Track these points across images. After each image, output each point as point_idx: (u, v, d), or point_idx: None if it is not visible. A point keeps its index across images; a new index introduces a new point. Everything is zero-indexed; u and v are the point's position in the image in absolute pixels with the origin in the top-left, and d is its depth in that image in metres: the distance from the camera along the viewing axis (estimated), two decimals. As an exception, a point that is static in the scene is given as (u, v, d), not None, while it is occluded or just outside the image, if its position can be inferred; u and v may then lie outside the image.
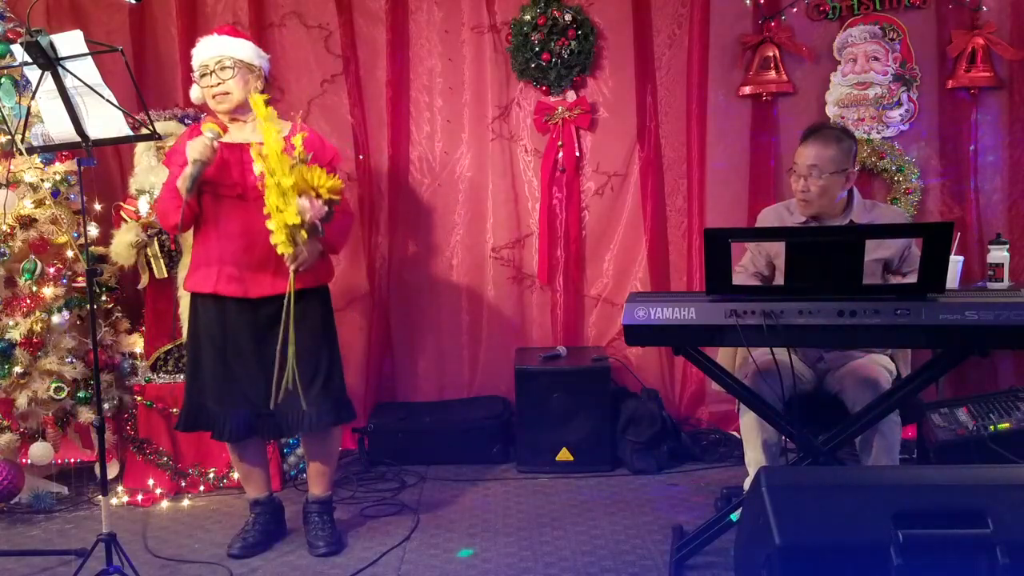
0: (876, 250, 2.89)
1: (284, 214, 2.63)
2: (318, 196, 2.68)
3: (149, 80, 4.09)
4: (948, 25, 3.97)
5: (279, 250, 2.71)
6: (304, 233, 2.70)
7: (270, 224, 2.67)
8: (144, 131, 2.59)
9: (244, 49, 2.89)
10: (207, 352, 2.92)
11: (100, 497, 2.68)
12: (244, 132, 2.90)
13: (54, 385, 3.46)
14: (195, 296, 2.95)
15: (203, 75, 2.88)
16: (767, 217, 3.15)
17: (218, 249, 2.87)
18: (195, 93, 2.99)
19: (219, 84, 2.85)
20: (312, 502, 3.11)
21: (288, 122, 2.98)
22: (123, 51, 2.49)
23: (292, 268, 2.75)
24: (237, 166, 2.84)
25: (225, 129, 2.83)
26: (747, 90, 4.07)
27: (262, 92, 2.92)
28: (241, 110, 2.90)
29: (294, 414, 2.88)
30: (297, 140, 2.70)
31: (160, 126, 3.48)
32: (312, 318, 2.92)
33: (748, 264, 3.13)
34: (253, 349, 2.89)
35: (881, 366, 2.87)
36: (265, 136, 2.66)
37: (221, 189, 2.84)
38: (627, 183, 4.19)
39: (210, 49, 2.87)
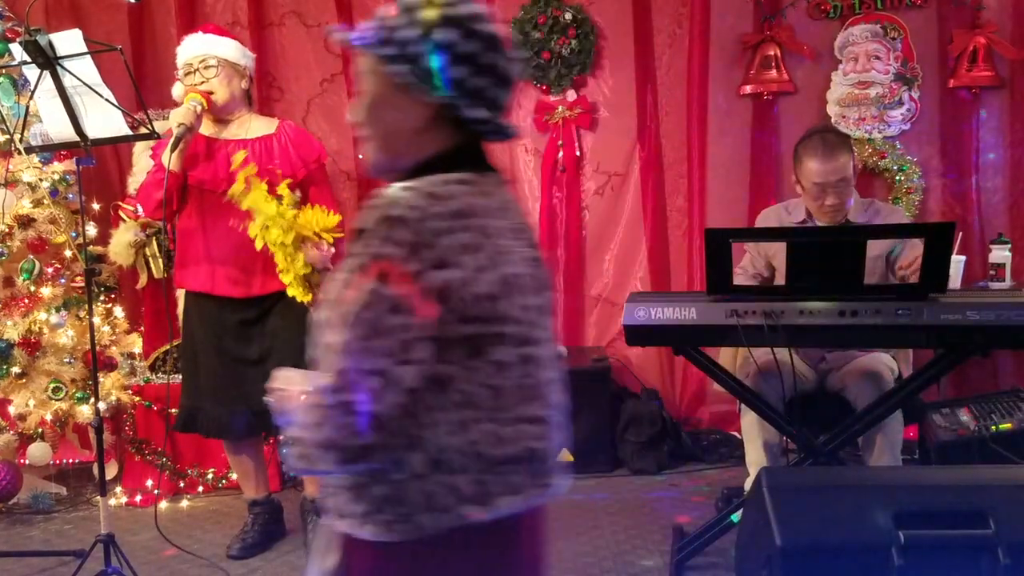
0: (875, 246, 2.88)
1: (294, 266, 2.67)
2: (321, 239, 2.71)
3: (148, 80, 4.08)
4: (949, 24, 3.95)
5: (298, 299, 2.74)
6: (316, 276, 2.74)
7: (284, 278, 2.70)
8: (143, 130, 2.59)
9: (229, 48, 2.88)
10: (204, 350, 2.92)
11: (99, 498, 2.68)
12: (229, 130, 2.91)
13: (52, 385, 3.46)
14: (189, 295, 2.96)
15: (187, 73, 2.87)
16: (767, 218, 3.14)
17: (207, 247, 2.87)
18: (177, 91, 3.00)
19: (203, 83, 2.84)
20: (310, 500, 3.10)
21: (275, 119, 3.00)
22: (122, 50, 2.48)
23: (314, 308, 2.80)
24: (223, 163, 2.85)
25: (209, 101, 2.83)
26: (748, 89, 4.06)
27: (247, 90, 2.94)
28: (225, 109, 2.89)
29: None
30: (283, 188, 2.70)
31: (159, 126, 3.46)
32: (301, 313, 2.91)
33: (747, 266, 3.11)
34: (247, 346, 2.90)
35: (883, 362, 2.87)
36: (261, 206, 2.65)
37: (205, 184, 2.85)
38: (627, 183, 4.18)
39: (195, 47, 2.87)
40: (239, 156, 2.70)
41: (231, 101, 2.88)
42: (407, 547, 1.18)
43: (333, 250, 2.74)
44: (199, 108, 2.77)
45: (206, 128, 2.86)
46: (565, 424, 1.31)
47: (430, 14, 1.18)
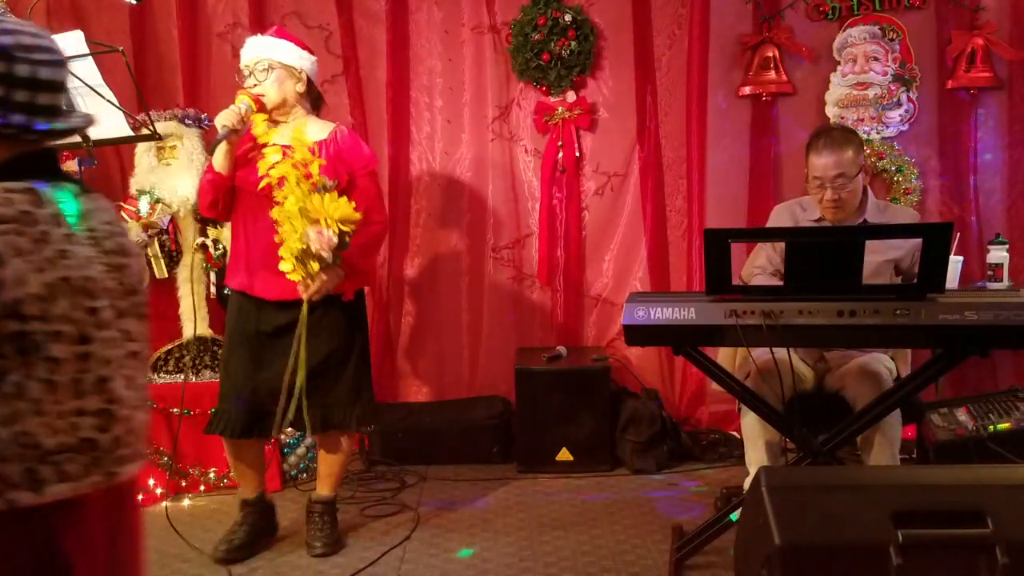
0: (887, 251, 2.88)
1: (291, 239, 2.66)
2: (327, 226, 2.68)
3: (150, 80, 4.08)
4: (948, 25, 3.97)
5: (288, 276, 2.73)
6: (313, 264, 2.71)
7: (281, 251, 2.70)
8: (144, 131, 2.60)
9: (284, 51, 2.89)
10: (236, 350, 2.94)
11: (100, 497, 2.68)
12: (281, 133, 2.91)
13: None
14: (232, 293, 3.02)
15: (247, 76, 2.90)
16: (780, 215, 3.12)
17: (246, 247, 2.91)
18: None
19: (255, 86, 2.87)
20: (315, 502, 3.10)
21: (330, 123, 2.99)
22: (123, 51, 2.50)
23: (305, 297, 2.77)
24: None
25: (259, 103, 2.84)
26: (747, 90, 4.08)
27: (303, 93, 2.94)
28: (278, 112, 2.91)
29: (319, 411, 2.90)
30: (314, 167, 2.72)
31: (160, 126, 3.48)
32: (334, 322, 2.92)
33: (766, 264, 3.08)
34: (273, 348, 2.90)
35: (881, 363, 2.88)
36: (289, 171, 2.69)
37: (246, 185, 2.86)
38: (627, 183, 4.19)
39: (253, 50, 2.90)
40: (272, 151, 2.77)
41: (282, 104, 2.89)
42: None
43: (335, 240, 2.68)
44: (244, 110, 2.78)
45: (259, 129, 2.87)
46: (141, 416, 1.43)
47: None
